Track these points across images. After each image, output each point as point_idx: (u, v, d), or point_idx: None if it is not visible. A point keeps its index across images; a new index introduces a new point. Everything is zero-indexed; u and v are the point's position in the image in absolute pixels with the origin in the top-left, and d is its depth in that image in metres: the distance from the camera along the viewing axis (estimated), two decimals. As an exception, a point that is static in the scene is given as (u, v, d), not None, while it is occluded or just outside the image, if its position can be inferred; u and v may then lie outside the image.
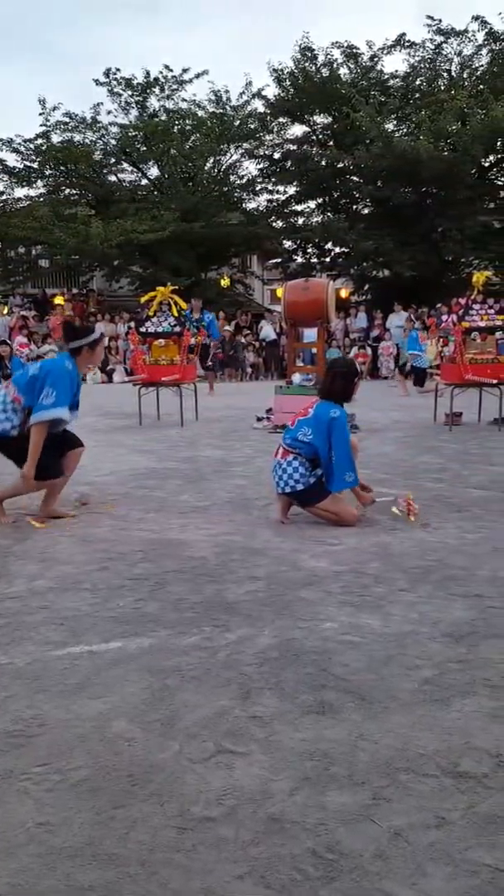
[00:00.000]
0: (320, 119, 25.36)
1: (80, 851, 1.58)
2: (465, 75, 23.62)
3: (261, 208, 26.68)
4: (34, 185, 25.65)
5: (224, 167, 26.02)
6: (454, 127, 21.32)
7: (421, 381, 13.60)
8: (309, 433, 4.32)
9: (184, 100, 25.26)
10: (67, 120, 24.46)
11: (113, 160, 25.93)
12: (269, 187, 26.40)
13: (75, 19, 64.70)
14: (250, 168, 27.40)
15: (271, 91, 24.60)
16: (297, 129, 25.61)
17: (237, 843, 1.60)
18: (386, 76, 24.39)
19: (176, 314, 9.59)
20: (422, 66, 23.97)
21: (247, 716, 2.13)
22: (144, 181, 26.48)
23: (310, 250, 26.26)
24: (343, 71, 24.30)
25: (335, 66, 24.10)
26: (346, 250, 24.76)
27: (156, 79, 24.76)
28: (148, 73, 24.67)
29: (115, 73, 24.42)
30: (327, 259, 26.12)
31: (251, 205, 26.83)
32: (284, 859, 1.54)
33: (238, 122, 24.67)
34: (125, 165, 26.21)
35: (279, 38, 60.68)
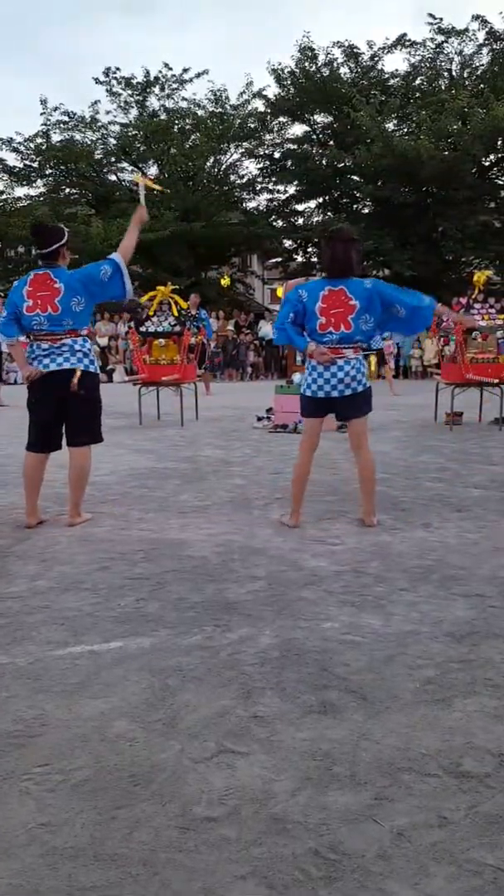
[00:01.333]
0: (321, 118, 25.37)
1: (82, 852, 1.58)
2: (465, 75, 23.62)
3: (261, 208, 26.70)
4: (34, 185, 25.69)
5: (224, 167, 26.03)
6: (455, 126, 21.31)
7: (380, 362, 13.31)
8: (370, 320, 4.08)
9: (184, 99, 25.28)
10: (67, 119, 24.48)
11: (113, 159, 25.92)
12: (270, 187, 26.43)
13: (68, 19, 64.53)
14: (250, 167, 27.52)
15: (271, 91, 24.63)
16: (298, 129, 25.66)
17: (239, 843, 1.60)
18: (386, 76, 24.40)
19: (176, 314, 9.59)
20: (422, 65, 23.98)
21: (248, 716, 2.13)
22: (145, 180, 26.48)
23: (310, 250, 26.26)
24: (343, 70, 24.32)
25: (335, 65, 24.11)
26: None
27: (156, 78, 24.77)
28: (147, 73, 24.69)
29: (114, 73, 24.43)
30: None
31: (251, 204, 26.87)
32: (286, 859, 1.54)
33: (238, 121, 24.67)
34: (125, 165, 26.21)
35: (276, 37, 60.51)
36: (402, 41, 23.67)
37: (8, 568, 3.56)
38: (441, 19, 22.92)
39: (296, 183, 25.59)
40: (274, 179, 26.18)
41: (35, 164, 25.02)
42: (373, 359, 9.47)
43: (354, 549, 3.80)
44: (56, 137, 24.58)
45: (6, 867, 1.54)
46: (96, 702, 2.22)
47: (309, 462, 4.32)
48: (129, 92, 24.82)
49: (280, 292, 11.74)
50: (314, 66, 24.06)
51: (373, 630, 2.73)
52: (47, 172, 25.41)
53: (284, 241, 26.35)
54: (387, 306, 4.09)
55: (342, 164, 24.36)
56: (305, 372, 4.25)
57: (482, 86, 22.68)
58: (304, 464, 4.31)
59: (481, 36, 22.83)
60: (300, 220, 26.49)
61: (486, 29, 22.49)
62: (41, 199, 25.22)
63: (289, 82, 24.35)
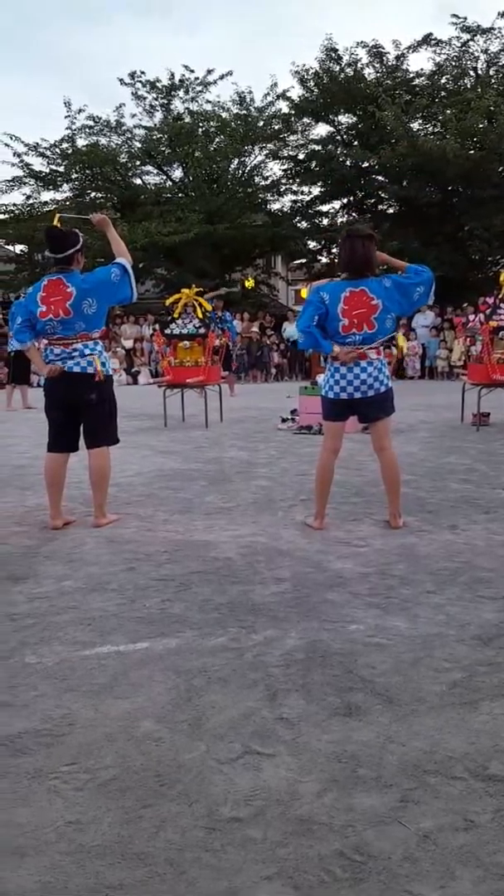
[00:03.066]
0: (345, 119, 25.27)
1: (110, 850, 1.59)
2: (492, 73, 23.40)
3: (285, 209, 26.66)
4: (60, 189, 25.88)
5: (248, 168, 26.04)
6: (481, 125, 21.13)
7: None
8: (393, 316, 4.11)
9: (208, 101, 25.34)
10: (92, 123, 24.67)
11: (138, 163, 26.06)
12: (294, 188, 26.35)
13: (82, 20, 65.06)
14: (275, 169, 27.38)
15: (295, 92, 24.61)
16: (322, 130, 25.57)
17: (265, 843, 1.60)
18: (412, 75, 24.25)
19: (200, 316, 9.63)
20: (448, 64, 23.79)
21: (274, 717, 2.13)
22: (169, 183, 26.60)
23: (334, 251, 26.17)
24: (368, 71, 24.22)
25: (359, 65, 24.03)
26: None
27: (180, 81, 24.86)
28: (172, 76, 24.79)
29: (139, 76, 24.56)
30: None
31: (275, 206, 26.83)
32: (312, 860, 1.54)
33: (262, 122, 24.69)
34: (150, 168, 26.33)
35: (296, 37, 60.41)
36: (427, 40, 23.52)
37: (35, 568, 3.60)
38: (465, 18, 22.74)
39: (320, 184, 25.51)
40: (298, 180, 26.12)
41: (61, 169, 25.24)
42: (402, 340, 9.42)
43: (380, 550, 3.79)
44: (81, 142, 24.80)
45: (35, 864, 1.56)
46: (123, 702, 2.24)
47: (332, 465, 4.30)
48: (154, 95, 24.95)
49: (304, 293, 11.73)
50: (338, 67, 24.00)
51: (399, 632, 2.72)
52: (73, 177, 25.60)
53: (309, 242, 26.31)
54: (407, 294, 4.09)
55: (367, 165, 24.24)
56: (326, 374, 4.24)
57: (508, 84, 22.46)
58: (326, 467, 4.28)
59: (508, 34, 22.59)
60: (324, 221, 26.41)
61: (513, 26, 22.27)
62: (67, 203, 25.42)
63: (312, 83, 24.31)
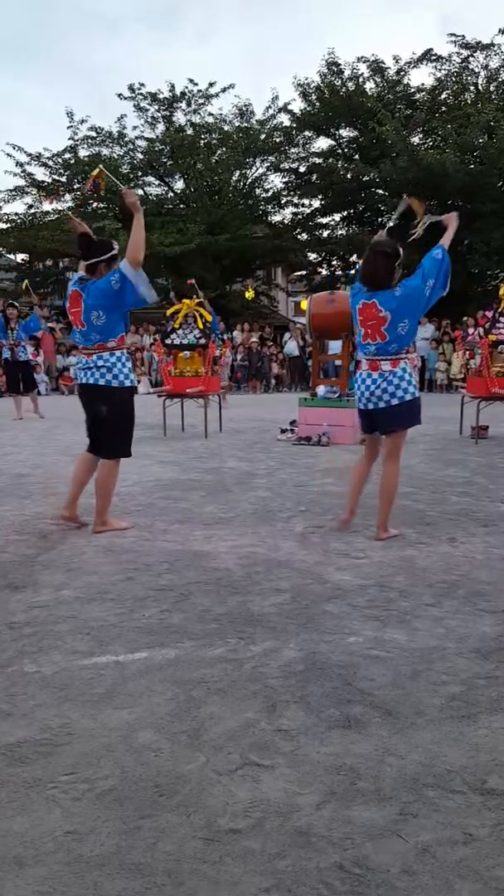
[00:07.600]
0: (346, 133, 25.46)
1: (108, 860, 1.59)
2: (491, 88, 23.58)
3: (286, 221, 26.82)
4: (62, 199, 25.99)
5: (250, 180, 26.19)
6: (481, 140, 21.28)
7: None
8: (408, 324, 4.07)
9: (210, 114, 25.50)
10: (94, 134, 24.81)
11: (140, 174, 26.20)
12: (295, 200, 26.54)
13: (90, 30, 65.61)
14: (276, 181, 27.59)
15: (297, 105, 24.79)
16: (323, 143, 25.76)
17: (264, 855, 1.60)
18: (412, 90, 24.44)
19: (201, 326, 9.66)
20: (448, 79, 23.98)
21: (273, 729, 2.13)
22: (171, 194, 26.73)
23: (335, 263, 26.32)
24: (369, 85, 24.40)
25: (361, 80, 24.21)
26: (370, 262, 24.70)
27: (182, 93, 25.02)
28: (173, 87, 24.95)
29: (139, 88, 24.72)
30: (352, 271, 26.11)
31: (276, 217, 27.01)
32: (311, 873, 1.54)
33: (263, 135, 24.85)
34: (152, 179, 26.48)
35: (298, 51, 60.97)
36: (427, 56, 23.71)
37: (34, 577, 3.60)
38: (463, 36, 22.92)
39: (320, 196, 25.67)
40: (299, 193, 26.29)
41: (63, 179, 25.35)
42: None
43: (379, 563, 3.79)
44: (84, 152, 24.93)
45: (33, 874, 1.55)
46: (122, 712, 2.24)
47: (361, 469, 4.44)
48: (156, 107, 25.11)
49: (304, 305, 11.76)
50: (339, 81, 24.17)
51: (398, 645, 2.72)
52: (75, 187, 25.72)
53: (309, 253, 26.43)
54: (418, 297, 4.05)
55: (367, 178, 24.39)
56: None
57: (508, 99, 22.61)
58: (357, 470, 4.48)
59: (508, 50, 22.76)
60: (325, 233, 26.56)
61: (513, 43, 22.43)
62: (70, 213, 25.51)
63: (314, 97, 24.49)
